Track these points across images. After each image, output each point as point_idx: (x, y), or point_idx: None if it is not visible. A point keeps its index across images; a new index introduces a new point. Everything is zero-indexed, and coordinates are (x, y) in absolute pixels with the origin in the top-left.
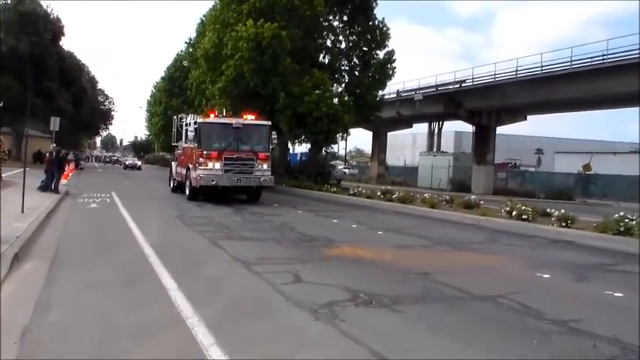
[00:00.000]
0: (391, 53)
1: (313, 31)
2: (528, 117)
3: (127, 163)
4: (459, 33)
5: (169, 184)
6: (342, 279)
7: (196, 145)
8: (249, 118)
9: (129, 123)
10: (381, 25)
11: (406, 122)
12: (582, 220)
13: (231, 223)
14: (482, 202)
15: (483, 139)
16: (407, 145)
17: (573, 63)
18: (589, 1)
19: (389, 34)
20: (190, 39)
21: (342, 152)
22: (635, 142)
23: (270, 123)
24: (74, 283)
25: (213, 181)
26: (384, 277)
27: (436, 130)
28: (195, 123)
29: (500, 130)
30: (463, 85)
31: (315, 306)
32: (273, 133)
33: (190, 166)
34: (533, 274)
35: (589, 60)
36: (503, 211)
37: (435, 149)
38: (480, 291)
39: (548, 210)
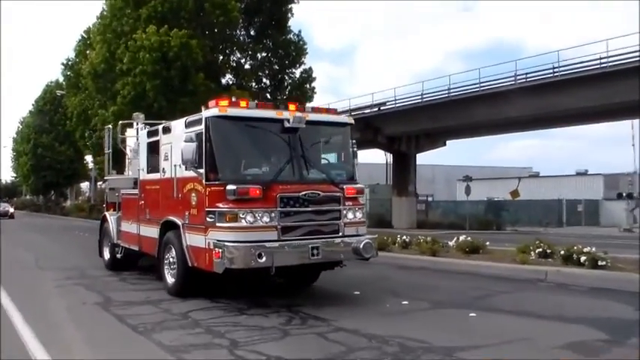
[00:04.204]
0: (309, 71)
1: (223, 44)
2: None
3: None
4: (324, 67)
5: (101, 253)
6: None
7: (202, 171)
8: (308, 109)
9: None
10: (296, 40)
11: None
12: None
13: (218, 321)
14: (487, 243)
15: (403, 168)
16: None
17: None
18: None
19: (305, 50)
20: (68, 59)
21: None
22: (528, 167)
23: (352, 120)
24: None
25: (261, 257)
26: None
27: None
28: (195, 123)
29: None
30: (383, 108)
31: None
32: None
33: (179, 221)
34: None
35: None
36: (533, 254)
37: None
38: None
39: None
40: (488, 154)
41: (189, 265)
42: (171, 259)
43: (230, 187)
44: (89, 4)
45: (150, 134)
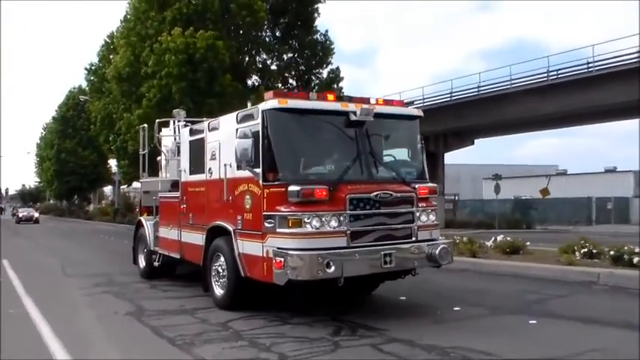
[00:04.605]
0: (336, 71)
1: (248, 45)
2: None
3: (20, 215)
4: (346, 69)
5: (136, 260)
6: None
7: (259, 171)
8: (372, 102)
9: (15, 169)
10: (323, 39)
11: None
12: None
13: (260, 332)
14: (528, 243)
15: (432, 168)
16: None
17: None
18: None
19: (332, 50)
20: (92, 65)
21: None
22: (554, 165)
23: (421, 113)
24: None
25: (330, 266)
26: None
27: None
28: (248, 117)
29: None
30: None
31: None
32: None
33: (230, 227)
34: None
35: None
36: (578, 254)
37: None
38: None
39: None
40: (512, 153)
41: (242, 275)
42: (219, 269)
43: (293, 188)
44: (111, 9)
45: (193, 132)
